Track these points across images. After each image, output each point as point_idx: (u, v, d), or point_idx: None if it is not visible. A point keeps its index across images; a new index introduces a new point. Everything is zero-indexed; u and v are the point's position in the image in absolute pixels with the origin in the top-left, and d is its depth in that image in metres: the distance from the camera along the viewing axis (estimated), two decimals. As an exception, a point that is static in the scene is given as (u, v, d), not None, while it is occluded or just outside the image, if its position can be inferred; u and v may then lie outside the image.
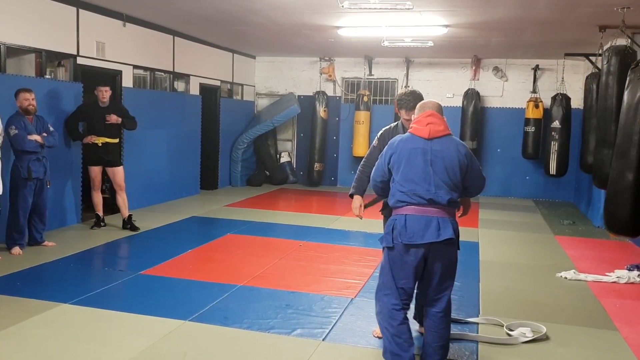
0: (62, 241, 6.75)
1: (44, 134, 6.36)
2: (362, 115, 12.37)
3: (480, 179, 3.72)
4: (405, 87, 12.37)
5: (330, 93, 12.95)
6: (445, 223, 3.45)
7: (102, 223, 7.60)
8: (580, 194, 10.84)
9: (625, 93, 5.30)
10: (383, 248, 3.66)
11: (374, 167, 3.79)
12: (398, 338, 3.51)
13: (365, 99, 12.36)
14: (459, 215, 4.21)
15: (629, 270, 6.15)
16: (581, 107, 10.13)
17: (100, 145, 7.30)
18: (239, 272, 5.82)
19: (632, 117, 5.18)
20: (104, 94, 7.33)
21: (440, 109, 3.71)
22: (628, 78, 5.32)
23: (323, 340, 4.17)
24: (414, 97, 4.07)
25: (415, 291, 3.70)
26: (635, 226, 5.35)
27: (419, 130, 3.58)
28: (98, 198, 7.57)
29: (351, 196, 4.29)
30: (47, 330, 4.17)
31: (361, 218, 4.36)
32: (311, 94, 12.83)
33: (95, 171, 7.44)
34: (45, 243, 6.53)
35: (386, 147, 3.72)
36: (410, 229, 3.44)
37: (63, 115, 7.31)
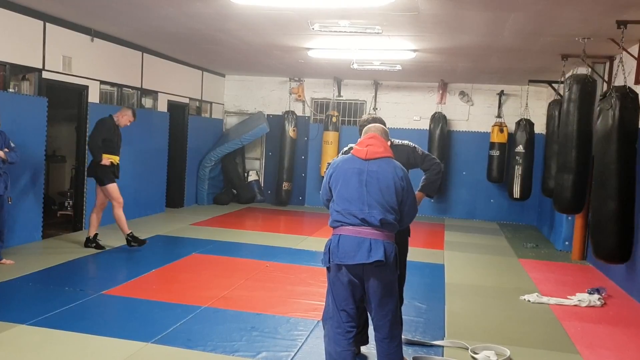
0: (21, 259, 6.56)
1: (6, 150, 6.24)
2: (331, 136, 12.44)
3: (413, 208, 3.70)
4: (373, 109, 12.51)
5: (299, 113, 12.99)
6: (377, 244, 3.42)
7: (98, 240, 7.42)
8: (543, 217, 11.05)
9: (597, 123, 5.40)
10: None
11: (322, 186, 3.81)
12: None
13: (334, 119, 12.45)
14: None
15: (590, 293, 6.27)
16: (544, 132, 10.37)
17: (116, 164, 7.37)
18: (204, 293, 5.74)
19: (607, 147, 5.27)
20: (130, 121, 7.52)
21: (384, 133, 3.78)
22: (598, 108, 5.43)
23: (288, 363, 4.14)
24: (374, 123, 4.12)
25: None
26: (622, 253, 5.41)
27: (358, 151, 3.65)
28: (99, 217, 7.46)
29: None
30: (3, 352, 4.04)
31: None
32: (280, 114, 12.87)
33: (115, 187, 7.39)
34: (4, 261, 6.34)
35: (329, 166, 3.76)
36: (342, 249, 3.46)
37: (26, 129, 7.15)
